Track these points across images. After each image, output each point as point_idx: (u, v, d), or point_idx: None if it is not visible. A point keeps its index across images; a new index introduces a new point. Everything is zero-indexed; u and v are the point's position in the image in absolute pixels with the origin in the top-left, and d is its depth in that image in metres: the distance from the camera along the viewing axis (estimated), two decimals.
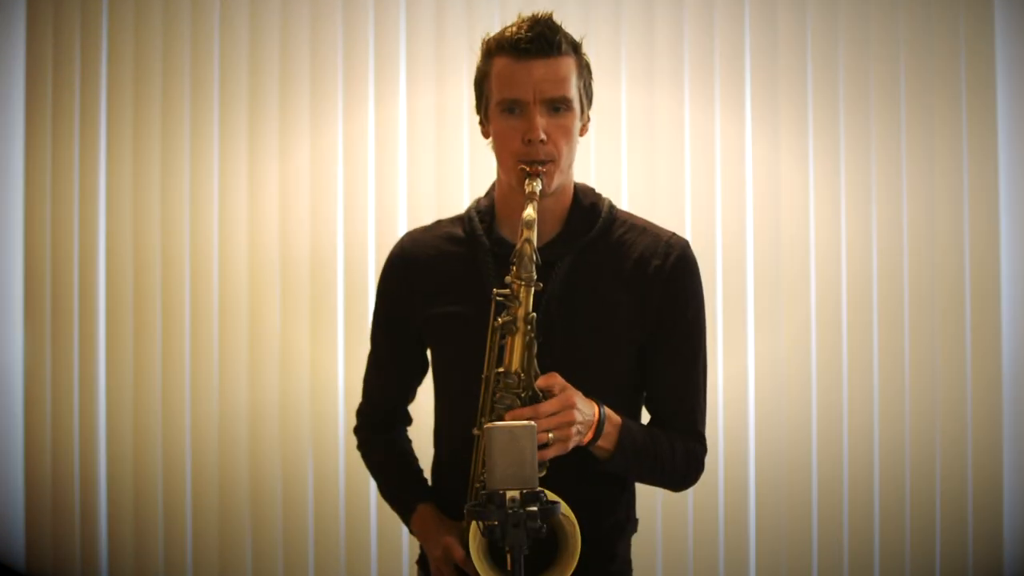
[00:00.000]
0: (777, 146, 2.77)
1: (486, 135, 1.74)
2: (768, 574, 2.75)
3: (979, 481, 2.71)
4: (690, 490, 2.70)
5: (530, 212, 1.57)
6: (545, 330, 1.63)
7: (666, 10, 2.78)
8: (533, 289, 1.58)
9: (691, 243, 1.78)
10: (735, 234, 2.77)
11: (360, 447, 1.94)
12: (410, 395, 1.94)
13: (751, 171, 2.78)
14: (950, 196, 2.74)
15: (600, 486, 1.72)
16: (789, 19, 2.77)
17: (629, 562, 1.82)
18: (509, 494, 1.34)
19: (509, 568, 1.36)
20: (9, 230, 2.98)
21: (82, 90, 2.93)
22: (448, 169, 2.81)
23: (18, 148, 2.98)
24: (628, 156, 2.79)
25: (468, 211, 1.81)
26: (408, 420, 1.96)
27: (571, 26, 1.72)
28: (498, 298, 1.60)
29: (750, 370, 2.76)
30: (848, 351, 2.75)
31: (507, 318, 1.58)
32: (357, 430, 1.95)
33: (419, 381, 1.92)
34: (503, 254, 1.67)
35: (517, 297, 1.58)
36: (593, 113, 2.73)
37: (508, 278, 1.59)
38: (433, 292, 1.77)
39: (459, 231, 1.80)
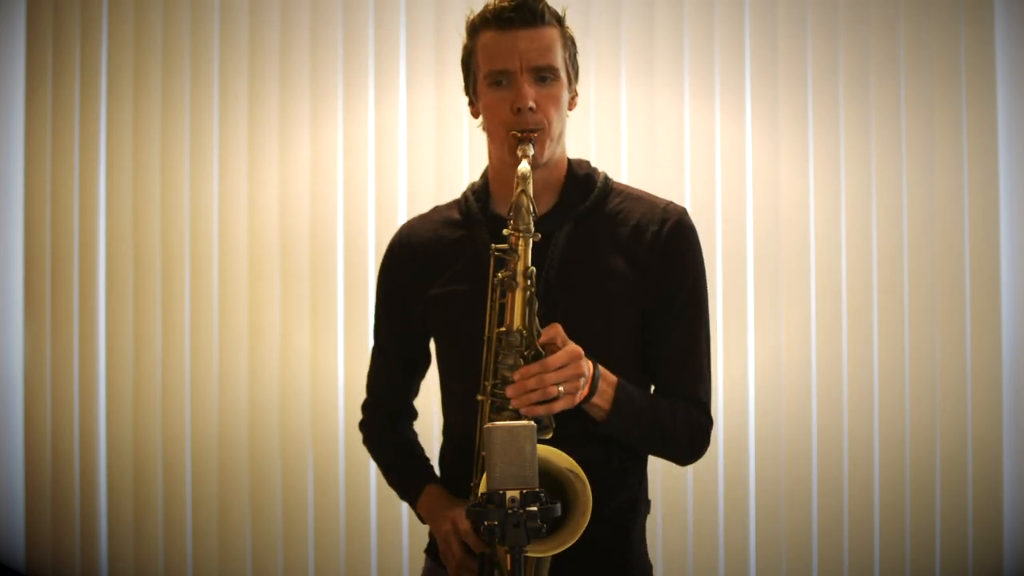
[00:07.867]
0: (777, 144, 2.77)
1: (475, 114, 1.75)
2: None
3: (979, 479, 2.71)
4: (689, 486, 2.74)
5: (525, 165, 1.58)
6: (545, 299, 1.62)
7: (666, 7, 2.78)
8: (532, 241, 1.57)
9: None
10: (735, 232, 2.77)
11: (365, 441, 1.94)
12: (413, 387, 1.92)
13: (751, 169, 2.78)
14: (950, 194, 2.74)
15: (605, 449, 1.68)
16: (789, 16, 2.77)
17: (645, 542, 1.78)
18: (509, 494, 1.33)
19: (509, 568, 1.36)
20: (9, 229, 2.98)
21: (82, 90, 2.93)
22: (448, 168, 2.81)
23: (18, 147, 2.98)
24: (628, 153, 2.79)
25: (464, 193, 1.82)
26: (413, 414, 1.94)
27: (571, 23, 1.72)
28: (496, 253, 1.59)
29: (750, 367, 2.76)
30: (848, 349, 2.75)
31: (506, 273, 1.57)
32: (362, 424, 1.94)
33: (422, 373, 1.91)
34: (500, 231, 1.63)
35: (515, 250, 1.57)
36: (593, 110, 2.77)
37: (506, 231, 1.58)
38: (432, 274, 1.77)
39: (455, 214, 1.81)
